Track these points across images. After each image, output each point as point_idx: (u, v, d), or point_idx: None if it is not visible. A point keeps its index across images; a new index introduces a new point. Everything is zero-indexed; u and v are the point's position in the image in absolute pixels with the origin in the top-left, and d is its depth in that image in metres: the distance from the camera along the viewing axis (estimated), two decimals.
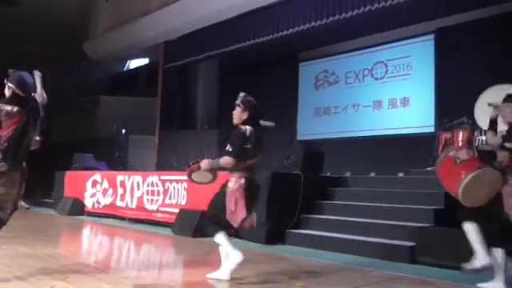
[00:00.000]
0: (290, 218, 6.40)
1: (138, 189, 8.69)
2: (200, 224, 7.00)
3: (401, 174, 7.69)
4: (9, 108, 3.43)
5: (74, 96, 16.33)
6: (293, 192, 6.54)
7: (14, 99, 3.53)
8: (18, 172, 3.50)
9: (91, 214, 9.80)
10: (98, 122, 14.95)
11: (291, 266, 3.96)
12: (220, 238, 3.87)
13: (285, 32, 9.92)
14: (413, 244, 5.08)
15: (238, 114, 3.98)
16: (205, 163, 3.95)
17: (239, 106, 3.98)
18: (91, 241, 7.60)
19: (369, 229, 5.78)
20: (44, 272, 4.12)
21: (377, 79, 10.38)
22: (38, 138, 3.72)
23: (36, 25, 14.54)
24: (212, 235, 3.93)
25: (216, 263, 4.15)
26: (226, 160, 3.84)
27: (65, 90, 15.85)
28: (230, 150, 3.80)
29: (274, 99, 11.47)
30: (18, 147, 3.44)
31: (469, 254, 4.65)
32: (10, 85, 3.58)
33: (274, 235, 6.27)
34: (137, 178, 8.81)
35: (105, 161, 11.87)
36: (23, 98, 3.55)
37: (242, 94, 4.03)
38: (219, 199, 3.90)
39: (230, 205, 3.78)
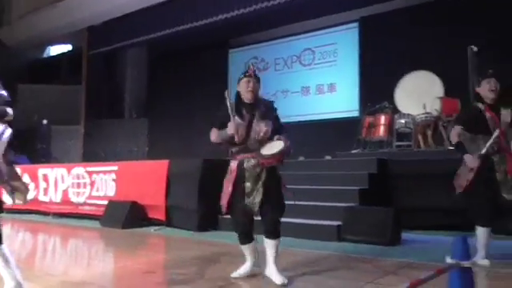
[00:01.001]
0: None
1: (63, 182, 8.30)
2: (129, 215, 6.86)
3: (328, 157, 7.97)
4: None
5: None
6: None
7: None
8: None
9: (10, 211, 9.21)
10: (16, 113, 13.99)
11: (221, 250, 3.99)
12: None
13: (214, 18, 9.86)
14: (339, 223, 5.30)
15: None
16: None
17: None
18: (12, 238, 7.16)
19: (298, 210, 5.93)
20: None
21: (305, 65, 10.64)
22: None
23: None
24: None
25: (145, 254, 4.07)
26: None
27: None
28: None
29: (204, 86, 11.41)
30: None
31: (390, 230, 4.95)
32: None
33: (207, 222, 6.27)
34: (61, 170, 8.40)
35: (25, 154, 11.19)
36: None
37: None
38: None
39: None
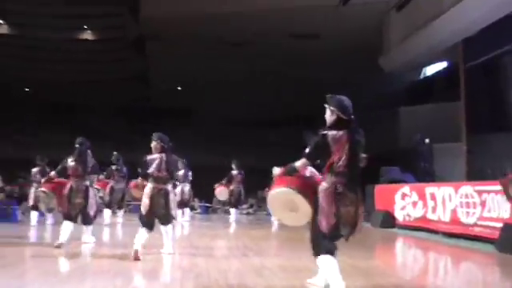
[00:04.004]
0: None
1: (450, 201, 8.17)
2: None
3: None
4: (334, 132, 3.62)
5: (372, 111, 16.90)
6: None
7: (338, 123, 3.68)
8: (353, 193, 3.67)
9: (402, 227, 9.78)
10: (399, 134, 14.99)
11: None
12: None
13: None
14: None
15: None
16: None
17: None
18: (405, 255, 7.57)
19: None
20: (367, 285, 4.28)
21: None
22: (363, 155, 3.85)
23: (333, 52, 15.90)
24: None
25: None
26: None
27: (363, 106, 16.55)
28: None
29: None
30: (352, 169, 3.64)
31: None
32: (333, 108, 3.72)
33: None
34: (447, 189, 8.31)
35: (410, 172, 11.74)
36: (346, 121, 3.67)
37: None
38: None
39: None
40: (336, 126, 3.68)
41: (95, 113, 22.25)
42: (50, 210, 6.94)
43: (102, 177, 10.26)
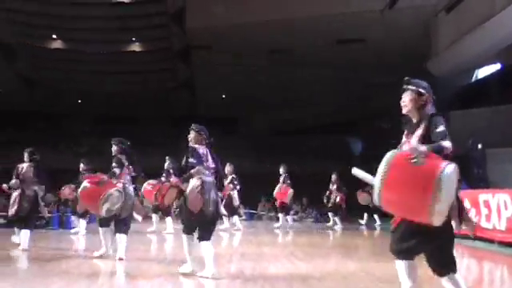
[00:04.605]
0: None
1: (506, 208, 7.79)
2: None
3: None
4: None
5: None
6: None
7: (433, 105, 3.30)
8: None
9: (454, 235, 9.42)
10: (450, 139, 14.46)
11: None
12: None
13: None
14: None
15: None
16: None
17: None
18: (458, 264, 7.26)
19: None
20: None
21: None
22: None
23: (379, 56, 15.64)
24: None
25: None
26: None
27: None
28: None
29: None
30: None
31: None
32: (422, 90, 3.30)
33: None
34: (503, 196, 7.93)
35: (463, 179, 11.27)
36: (435, 103, 3.32)
37: None
38: None
39: None
40: (429, 108, 3.25)
41: (143, 122, 22.90)
42: (108, 212, 6.13)
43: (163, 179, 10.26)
